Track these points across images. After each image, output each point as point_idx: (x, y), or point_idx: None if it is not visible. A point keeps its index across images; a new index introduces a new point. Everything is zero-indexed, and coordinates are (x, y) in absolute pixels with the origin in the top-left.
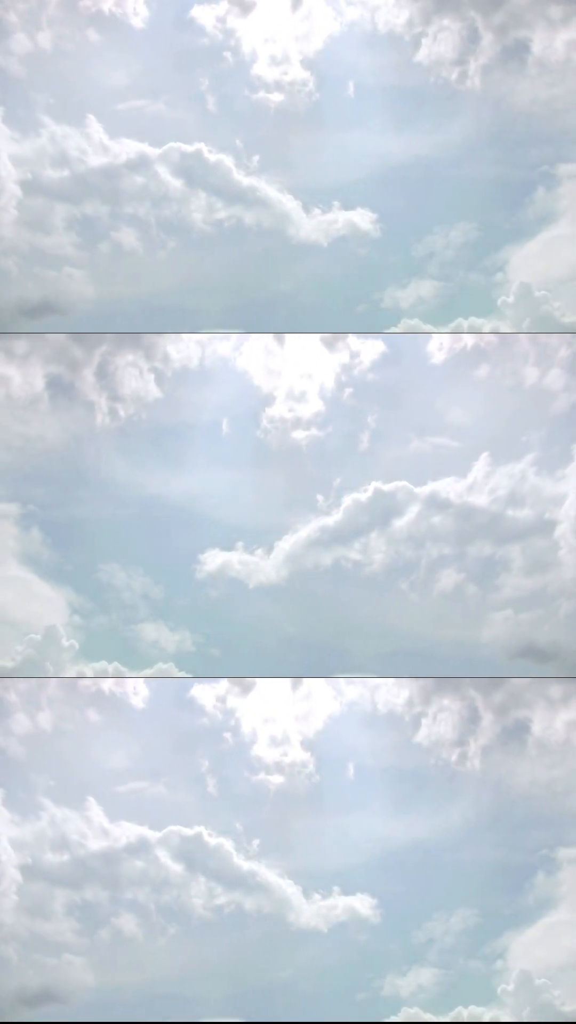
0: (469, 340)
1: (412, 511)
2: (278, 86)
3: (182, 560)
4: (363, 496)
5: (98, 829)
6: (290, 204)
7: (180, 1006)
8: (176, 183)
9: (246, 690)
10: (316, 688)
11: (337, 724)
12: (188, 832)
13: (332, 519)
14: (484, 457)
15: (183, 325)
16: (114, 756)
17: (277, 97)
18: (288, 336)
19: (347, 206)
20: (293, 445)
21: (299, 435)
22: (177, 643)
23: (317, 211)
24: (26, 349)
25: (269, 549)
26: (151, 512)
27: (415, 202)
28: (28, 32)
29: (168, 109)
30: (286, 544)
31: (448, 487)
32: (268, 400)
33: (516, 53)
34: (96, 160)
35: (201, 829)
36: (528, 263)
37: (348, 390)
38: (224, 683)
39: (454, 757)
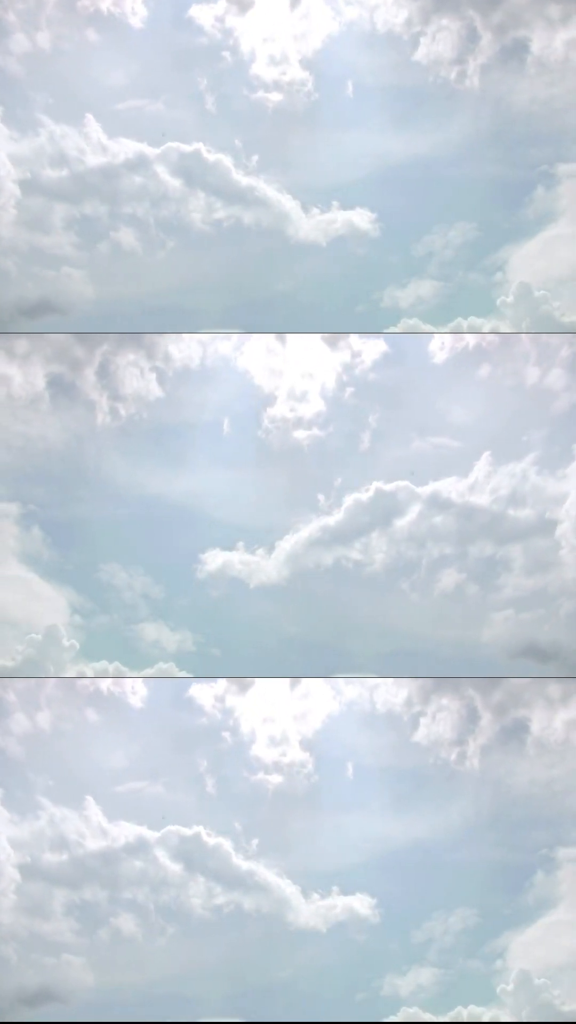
0: (471, 340)
1: (413, 511)
2: (277, 86)
3: (183, 560)
4: (364, 496)
5: (96, 829)
6: (289, 204)
7: (179, 1006)
8: (175, 183)
9: (244, 689)
10: (315, 687)
11: (336, 724)
12: (187, 832)
13: (333, 519)
14: (485, 457)
15: (182, 325)
16: (113, 756)
17: (276, 97)
18: (289, 336)
19: (346, 206)
20: (294, 445)
21: (300, 435)
22: (178, 643)
23: (316, 211)
24: (27, 348)
25: (270, 549)
26: (152, 512)
27: (414, 202)
28: (27, 32)
29: (167, 109)
30: (287, 544)
31: (449, 487)
32: (269, 400)
33: (515, 52)
34: (95, 160)
35: (200, 829)
36: (527, 263)
37: (349, 390)
38: (223, 682)
39: (453, 757)
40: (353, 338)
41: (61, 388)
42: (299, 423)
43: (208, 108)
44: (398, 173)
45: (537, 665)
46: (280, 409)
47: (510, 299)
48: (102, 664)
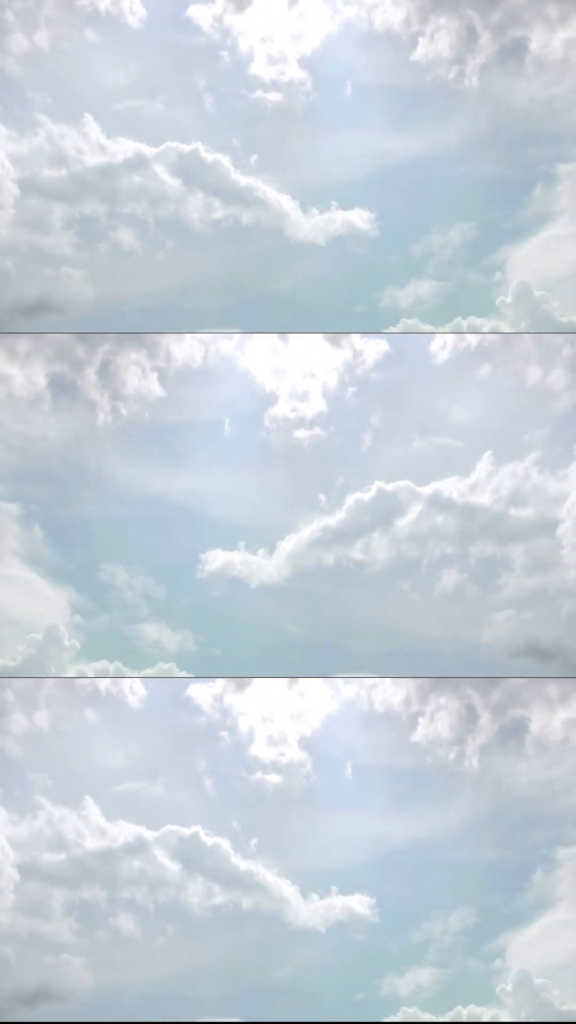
0: (472, 340)
1: (414, 511)
2: (275, 85)
3: (184, 560)
4: (365, 496)
5: (95, 828)
6: (288, 204)
7: (178, 1005)
8: (174, 183)
9: (243, 689)
10: (313, 687)
11: (334, 723)
12: (185, 832)
13: (334, 519)
14: (487, 456)
15: (182, 325)
16: (111, 755)
17: (274, 96)
18: (291, 336)
19: (345, 206)
20: (296, 445)
21: (302, 434)
22: (179, 643)
23: (315, 211)
24: (28, 348)
25: (271, 549)
26: (153, 511)
27: (413, 202)
28: (25, 31)
29: (165, 108)
30: (288, 544)
31: (451, 487)
32: (271, 399)
33: (514, 52)
34: (93, 159)
35: (199, 829)
36: (527, 262)
37: (351, 389)
38: (221, 682)
39: (452, 756)
40: (355, 338)
41: (62, 388)
42: (300, 423)
43: (207, 108)
44: (397, 173)
45: (538, 665)
46: (281, 409)
47: (509, 299)
48: (102, 664)
